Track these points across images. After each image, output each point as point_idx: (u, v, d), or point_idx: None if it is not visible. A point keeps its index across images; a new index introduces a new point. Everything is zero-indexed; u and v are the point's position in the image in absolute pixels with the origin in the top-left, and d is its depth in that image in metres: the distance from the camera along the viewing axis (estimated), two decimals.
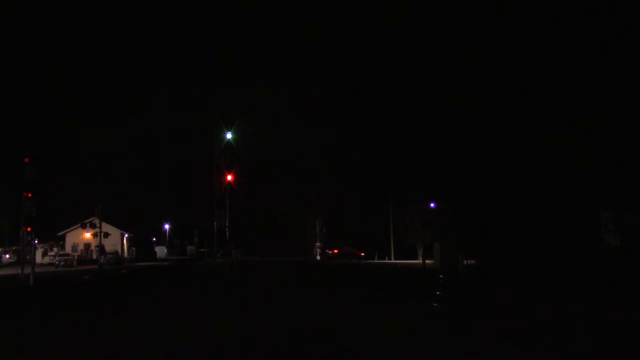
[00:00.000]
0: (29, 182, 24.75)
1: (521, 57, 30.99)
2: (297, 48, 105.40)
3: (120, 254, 60.47)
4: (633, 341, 8.92)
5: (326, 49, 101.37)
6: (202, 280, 25.36)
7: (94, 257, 55.76)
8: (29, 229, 25.44)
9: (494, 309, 13.69)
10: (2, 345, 8.99)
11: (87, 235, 55.48)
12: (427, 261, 38.77)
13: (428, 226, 54.84)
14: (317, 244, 68.09)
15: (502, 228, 28.83)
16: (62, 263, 50.30)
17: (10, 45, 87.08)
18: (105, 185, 48.19)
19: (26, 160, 24.86)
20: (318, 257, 65.93)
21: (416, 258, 54.04)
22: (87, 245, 61.30)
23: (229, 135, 34.68)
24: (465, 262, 31.40)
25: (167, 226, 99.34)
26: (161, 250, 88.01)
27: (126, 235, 65.68)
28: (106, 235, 50.16)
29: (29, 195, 24.72)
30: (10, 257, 59.56)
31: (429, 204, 55.99)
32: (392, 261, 55.96)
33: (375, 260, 57.21)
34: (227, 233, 37.55)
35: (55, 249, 59.67)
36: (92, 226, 51.18)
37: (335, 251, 62.44)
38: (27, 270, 24.93)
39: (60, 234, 63.21)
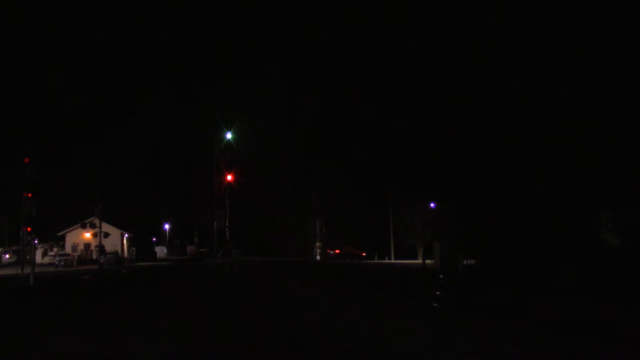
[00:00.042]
0: (29, 182, 24.75)
1: (521, 57, 30.99)
2: (297, 48, 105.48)
3: (120, 254, 60.48)
4: (633, 341, 8.92)
5: (326, 49, 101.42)
6: (202, 280, 25.36)
7: (94, 257, 55.76)
8: (29, 229, 25.43)
9: (494, 309, 13.69)
10: (2, 345, 8.99)
11: (87, 235, 55.47)
12: (427, 261, 38.78)
13: (428, 226, 54.86)
14: (317, 244, 68.10)
15: (502, 228, 28.83)
16: (62, 263, 50.31)
17: (10, 45, 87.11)
18: (105, 185, 48.25)
19: (26, 160, 24.86)
20: (318, 257, 65.93)
21: (416, 258, 54.05)
22: (87, 245, 61.30)
23: (229, 135, 34.70)
24: (465, 262, 31.41)
25: (167, 226, 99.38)
26: (161, 250, 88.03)
27: (126, 235, 65.69)
28: (106, 235, 50.16)
29: (29, 195, 24.71)
30: (10, 257, 59.57)
31: (429, 204, 56.00)
32: (392, 261, 55.97)
33: (375, 260, 57.22)
34: (227, 233, 37.55)
35: (55, 249, 59.66)
36: (92, 226, 51.17)
37: (337, 251, 62.47)
38: (27, 270, 24.93)
39: (60, 234, 63.21)
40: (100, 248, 49.24)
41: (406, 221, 60.30)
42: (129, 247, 67.08)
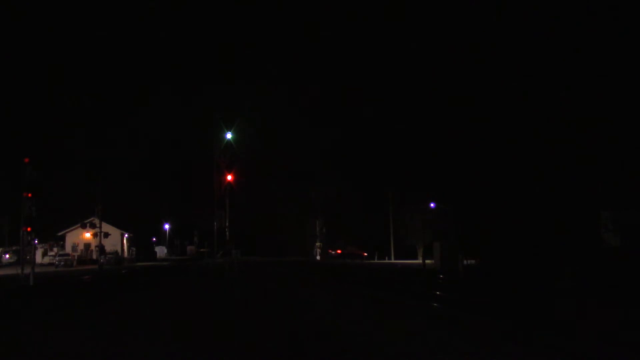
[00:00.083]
0: (29, 182, 24.75)
1: (521, 57, 31.01)
2: (297, 48, 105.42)
3: (120, 254, 60.48)
4: (633, 341, 8.92)
5: (326, 49, 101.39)
6: (202, 280, 25.36)
7: (94, 257, 55.76)
8: (29, 229, 25.43)
9: (494, 309, 13.69)
10: (2, 345, 8.99)
11: (87, 235, 55.47)
12: (427, 261, 38.78)
13: (428, 226, 54.86)
14: (317, 244, 68.10)
15: (502, 228, 28.83)
16: (62, 263, 50.30)
17: (10, 45, 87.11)
18: (105, 185, 48.25)
19: (26, 160, 24.86)
20: (318, 257, 65.93)
21: (416, 258, 54.05)
22: (87, 245, 61.30)
23: (229, 135, 34.69)
24: (465, 262, 31.41)
25: (167, 226, 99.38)
26: (161, 250, 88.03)
27: (126, 235, 65.69)
28: (106, 235, 50.16)
29: (29, 195, 24.71)
30: (10, 257, 59.57)
31: (429, 204, 56.00)
32: (392, 261, 55.97)
33: (375, 260, 57.23)
34: (227, 233, 37.55)
35: (55, 249, 59.66)
36: (92, 226, 51.17)
37: (339, 251, 62.49)
38: (27, 270, 24.93)
39: (60, 234, 63.21)
40: (100, 248, 49.24)
41: (406, 221, 60.30)
42: (129, 247, 67.08)
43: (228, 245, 39.24)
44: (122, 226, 63.31)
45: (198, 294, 18.29)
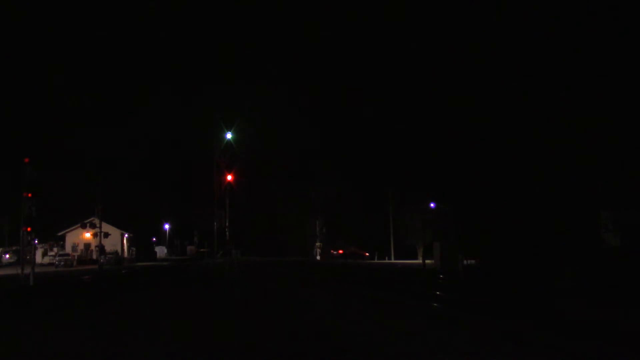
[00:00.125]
0: (29, 182, 24.76)
1: (521, 57, 31.00)
2: (297, 48, 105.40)
3: (120, 254, 60.48)
4: (633, 341, 8.92)
5: (326, 49, 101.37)
6: (202, 280, 25.36)
7: (94, 257, 55.77)
8: (29, 229, 25.43)
9: (494, 309, 13.69)
10: (2, 345, 8.99)
11: (87, 235, 55.48)
12: (427, 261, 38.78)
13: (428, 226, 54.85)
14: (317, 244, 68.10)
15: (502, 228, 28.83)
16: (62, 263, 50.31)
17: (10, 45, 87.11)
18: (105, 185, 48.25)
19: (26, 160, 24.86)
20: (318, 257, 65.93)
21: (416, 258, 54.05)
22: (87, 245, 61.30)
23: (229, 135, 34.71)
24: (465, 262, 31.41)
25: (167, 226, 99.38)
26: (161, 250, 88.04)
27: (126, 235, 65.69)
28: (106, 235, 50.16)
29: (29, 195, 24.71)
30: (10, 257, 59.57)
31: (429, 204, 55.99)
32: (392, 261, 55.97)
33: (376, 260, 57.23)
34: (227, 233, 37.56)
35: (55, 249, 59.67)
36: (92, 226, 51.18)
37: (340, 251, 62.46)
38: (27, 270, 24.93)
39: (60, 234, 63.21)
40: (100, 248, 49.24)
41: (406, 221, 60.28)
42: (129, 247, 67.08)
43: (228, 245, 39.26)
44: (122, 226, 63.31)
45: (198, 294, 18.29)
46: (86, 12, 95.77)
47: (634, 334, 9.75)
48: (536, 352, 8.04)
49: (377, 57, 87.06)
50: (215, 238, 39.11)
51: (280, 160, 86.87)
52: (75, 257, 56.33)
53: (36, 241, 32.92)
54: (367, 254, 60.13)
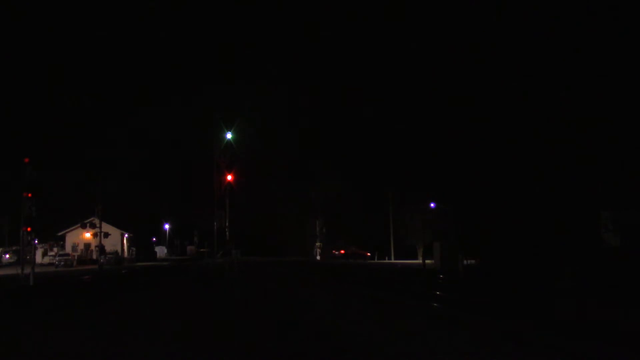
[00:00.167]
0: (29, 182, 24.76)
1: (521, 57, 31.00)
2: (297, 48, 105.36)
3: (120, 254, 60.48)
4: (633, 341, 8.92)
5: (326, 49, 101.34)
6: (202, 280, 25.36)
7: (94, 257, 55.78)
8: (29, 229, 25.44)
9: (494, 309, 13.69)
10: (2, 345, 8.99)
11: (87, 235, 55.49)
12: (427, 261, 38.78)
13: (428, 226, 54.84)
14: (317, 244, 68.09)
15: (502, 228, 28.83)
16: (62, 263, 50.32)
17: (10, 45, 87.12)
18: (105, 185, 48.25)
19: (26, 160, 24.87)
20: (318, 257, 65.92)
21: (416, 258, 54.06)
22: (87, 245, 61.31)
23: (229, 135, 34.70)
24: (465, 262, 31.41)
25: (167, 226, 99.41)
26: (161, 250, 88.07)
27: (126, 235, 65.70)
28: (106, 235, 50.16)
29: (29, 195, 24.72)
30: (10, 257, 59.58)
31: (429, 204, 55.99)
32: (392, 261, 55.98)
33: (375, 260, 57.23)
34: (227, 233, 37.55)
35: (55, 249, 59.67)
36: (92, 226, 51.18)
37: (342, 251, 62.43)
38: (27, 270, 24.93)
39: (60, 234, 63.22)
40: (100, 248, 49.25)
41: (406, 221, 60.28)
42: (129, 247, 67.09)
43: (228, 245, 39.26)
44: (122, 226, 63.32)
45: (198, 294, 18.29)
46: (86, 12, 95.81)
47: (634, 334, 9.75)
48: (536, 352, 8.04)
49: (377, 57, 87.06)
50: (215, 238, 39.10)
51: (280, 160, 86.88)
52: (75, 257, 56.34)
53: (36, 241, 32.92)
54: (368, 254, 60.13)
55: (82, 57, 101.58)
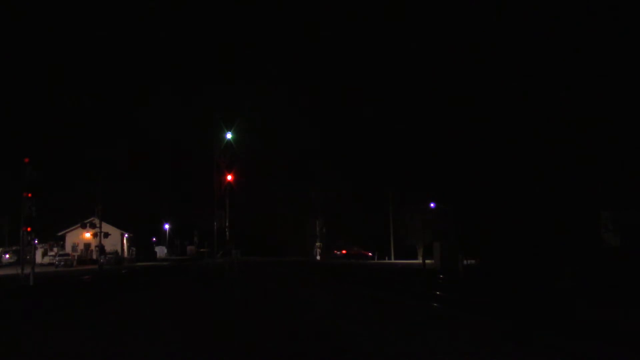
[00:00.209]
0: (29, 182, 24.77)
1: (521, 57, 30.98)
2: (297, 48, 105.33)
3: (120, 254, 60.50)
4: (633, 341, 8.92)
5: (326, 49, 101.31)
6: (202, 280, 25.37)
7: (94, 257, 55.79)
8: (29, 229, 25.45)
9: (494, 309, 13.69)
10: (2, 345, 8.99)
11: (87, 235, 55.50)
12: (427, 261, 38.77)
13: (428, 226, 54.86)
14: (317, 244, 68.08)
15: (502, 228, 28.82)
16: (62, 263, 50.33)
17: (10, 45, 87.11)
18: (105, 185, 48.24)
19: (26, 160, 24.88)
20: (318, 257, 65.91)
21: (416, 258, 54.05)
22: (87, 245, 61.33)
23: (229, 135, 34.72)
24: (465, 262, 31.39)
25: (167, 226, 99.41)
26: (161, 250, 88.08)
27: (126, 235, 65.70)
28: (106, 235, 50.17)
29: (29, 195, 24.73)
30: (10, 257, 59.59)
31: (429, 204, 56.00)
32: (392, 261, 55.97)
33: (376, 260, 57.24)
34: (227, 233, 37.57)
35: (55, 249, 59.69)
36: (92, 226, 51.19)
37: (344, 252, 62.38)
38: (27, 270, 24.93)
39: (60, 234, 63.23)
40: (100, 248, 49.25)
41: (406, 221, 60.29)
42: (129, 247, 67.10)
43: (228, 245, 39.28)
44: (122, 226, 63.32)
45: (198, 294, 18.29)
46: (86, 12, 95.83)
47: (634, 334, 9.75)
48: (536, 352, 8.04)
49: (377, 57, 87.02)
50: (215, 238, 39.11)
51: (280, 160, 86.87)
52: (75, 257, 56.35)
53: (36, 241, 32.93)
54: (370, 254, 60.11)
55: (82, 57, 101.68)
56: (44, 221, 35.64)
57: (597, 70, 26.57)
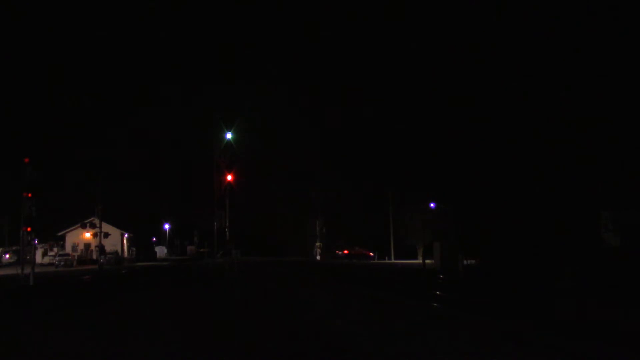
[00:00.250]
0: (29, 182, 24.77)
1: (521, 57, 30.98)
2: (297, 48, 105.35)
3: (120, 254, 60.49)
4: (633, 341, 8.92)
5: (326, 49, 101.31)
6: (202, 280, 25.37)
7: (94, 257, 55.79)
8: (29, 229, 25.45)
9: (494, 309, 13.69)
10: (2, 345, 8.99)
11: (87, 235, 55.50)
12: (427, 261, 38.77)
13: (428, 226, 54.84)
14: (317, 244, 68.07)
15: (502, 228, 28.82)
16: (62, 263, 50.33)
17: (10, 45, 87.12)
18: (105, 185, 48.25)
19: (26, 160, 24.88)
20: (318, 257, 65.90)
21: (416, 258, 54.05)
22: (87, 245, 61.32)
23: (229, 135, 34.73)
24: (465, 262, 31.40)
25: (167, 226, 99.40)
26: (161, 250, 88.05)
27: (126, 235, 65.69)
28: (106, 235, 50.16)
29: (29, 195, 24.73)
30: (10, 257, 59.61)
31: (429, 204, 55.99)
32: (392, 261, 55.97)
33: (376, 260, 57.24)
34: (227, 233, 37.57)
35: (55, 249, 59.69)
36: (92, 226, 51.19)
37: (346, 252, 62.35)
38: (27, 270, 24.93)
39: (60, 234, 63.21)
40: (100, 248, 49.25)
41: (406, 221, 60.28)
42: (129, 247, 67.09)
43: (228, 245, 39.28)
44: (122, 226, 63.31)
45: (198, 294, 18.29)
46: (86, 12, 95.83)
47: (634, 334, 9.75)
48: (536, 352, 8.04)
49: (377, 57, 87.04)
50: (215, 238, 39.12)
51: (280, 160, 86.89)
52: (75, 257, 56.34)
53: (36, 241, 32.93)
54: (371, 254, 60.10)
55: (82, 57, 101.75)
56: (44, 221, 35.65)
57: (597, 70, 26.57)
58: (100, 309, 14.49)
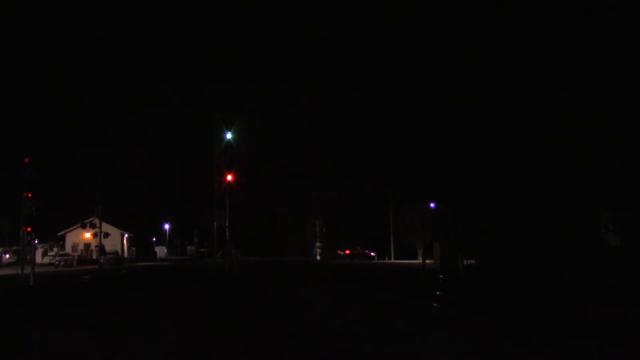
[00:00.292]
0: (29, 182, 24.77)
1: (521, 57, 30.98)
2: (297, 48, 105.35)
3: (120, 254, 60.48)
4: (633, 341, 8.92)
5: (326, 49, 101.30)
6: (202, 280, 25.36)
7: (94, 257, 55.79)
8: (29, 229, 25.45)
9: (494, 309, 13.69)
10: (2, 345, 8.99)
11: (87, 235, 55.49)
12: (427, 261, 38.77)
13: (428, 226, 54.84)
14: (317, 244, 68.07)
15: (502, 228, 28.82)
16: (62, 263, 50.32)
17: (10, 45, 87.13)
18: (105, 185, 48.24)
19: (26, 160, 24.88)
20: (318, 257, 65.90)
21: (416, 258, 54.06)
22: (87, 245, 61.32)
23: (229, 135, 34.73)
24: (465, 262, 31.40)
25: (167, 226, 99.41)
26: (161, 250, 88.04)
27: (126, 235, 65.68)
28: (106, 235, 50.16)
29: (29, 195, 24.74)
30: (10, 257, 59.61)
31: (429, 204, 56.00)
32: (392, 261, 55.98)
33: (376, 260, 57.25)
34: (227, 233, 37.57)
35: (55, 249, 59.69)
36: (92, 226, 51.19)
37: (347, 252, 62.32)
38: (27, 270, 24.93)
39: (60, 234, 63.21)
40: (100, 248, 49.25)
41: (406, 221, 60.28)
42: (129, 247, 67.09)
43: (228, 245, 39.28)
44: (122, 226, 63.31)
45: (198, 294, 18.29)
46: (86, 12, 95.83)
47: (634, 334, 9.75)
48: (536, 352, 8.04)
49: (377, 57, 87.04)
50: (215, 238, 39.12)
51: (280, 160, 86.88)
52: (75, 257, 56.34)
53: (36, 241, 32.93)
54: (372, 254, 60.11)
55: (82, 57, 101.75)
56: (44, 221, 35.65)
57: (597, 70, 26.57)
58: (100, 309, 14.49)
